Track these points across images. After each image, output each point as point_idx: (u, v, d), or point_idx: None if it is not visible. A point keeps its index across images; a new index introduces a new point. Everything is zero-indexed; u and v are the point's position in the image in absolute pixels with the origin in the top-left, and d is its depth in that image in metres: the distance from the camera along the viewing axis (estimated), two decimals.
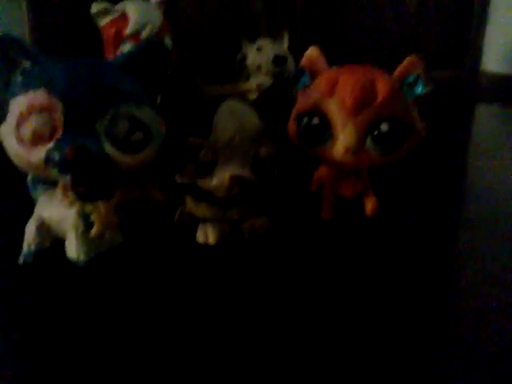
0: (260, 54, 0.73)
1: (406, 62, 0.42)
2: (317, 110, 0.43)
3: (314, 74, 0.44)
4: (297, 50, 0.78)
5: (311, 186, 0.51)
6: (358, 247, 0.46)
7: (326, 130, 0.43)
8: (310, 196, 0.51)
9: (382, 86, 0.40)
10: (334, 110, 0.42)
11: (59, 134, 0.36)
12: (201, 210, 0.46)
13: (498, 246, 0.46)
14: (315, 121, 0.43)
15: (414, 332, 0.34)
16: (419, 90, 0.41)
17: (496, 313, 0.36)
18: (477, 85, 1.27)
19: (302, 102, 0.44)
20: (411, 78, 0.41)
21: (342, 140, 0.42)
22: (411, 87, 0.41)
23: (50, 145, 0.35)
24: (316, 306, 0.37)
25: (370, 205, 0.48)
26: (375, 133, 0.41)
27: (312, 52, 0.45)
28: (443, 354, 0.31)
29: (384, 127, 0.41)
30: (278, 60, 0.73)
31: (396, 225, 0.50)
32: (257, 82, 0.72)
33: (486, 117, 1.16)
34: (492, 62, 1.28)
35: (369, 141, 0.42)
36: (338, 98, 0.41)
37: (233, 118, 0.41)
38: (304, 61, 0.45)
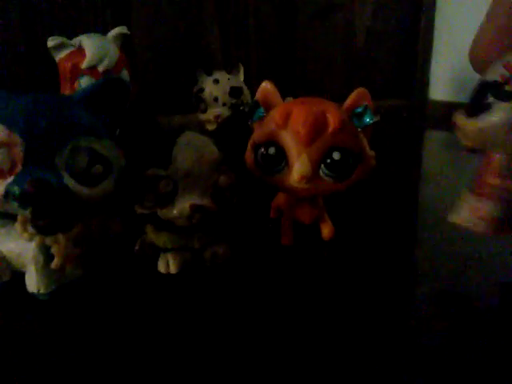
0: (217, 86, 0.74)
1: (354, 94, 0.45)
2: (272, 141, 0.45)
3: (268, 107, 0.46)
4: (252, 82, 0.80)
5: (270, 213, 0.53)
6: (319, 270, 0.47)
7: (281, 160, 0.45)
8: (269, 223, 0.52)
9: (333, 117, 0.42)
10: (289, 141, 0.44)
11: (19, 168, 0.36)
12: (162, 239, 0.46)
13: (450, 265, 0.48)
14: (271, 151, 0.45)
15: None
16: (367, 119, 0.43)
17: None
18: (425, 113, 1.33)
19: (258, 133, 0.46)
20: (360, 109, 0.44)
21: (297, 169, 0.44)
22: (360, 117, 0.44)
23: (10, 179, 0.36)
24: (280, 333, 0.37)
25: (326, 230, 0.50)
26: (328, 161, 0.43)
27: (266, 86, 0.47)
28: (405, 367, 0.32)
29: (336, 156, 0.43)
30: (235, 91, 0.75)
31: (352, 247, 0.52)
32: (214, 113, 0.74)
33: (434, 142, 1.22)
34: (438, 91, 1.35)
35: (322, 169, 0.44)
36: (291, 129, 0.43)
37: (191, 149, 0.42)
38: (258, 94, 0.47)
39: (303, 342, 0.36)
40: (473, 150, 0.43)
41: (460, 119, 0.42)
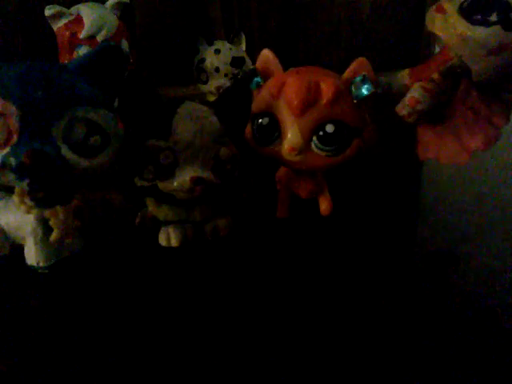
0: (218, 57, 0.73)
1: (353, 63, 0.43)
2: (267, 111, 0.44)
3: (266, 76, 0.45)
4: (254, 53, 0.79)
5: (275, 185, 0.52)
6: (318, 244, 0.47)
7: (275, 131, 0.44)
8: (272, 196, 0.51)
9: (327, 88, 0.41)
10: (282, 111, 0.43)
11: (15, 139, 0.35)
12: (162, 212, 0.46)
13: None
14: (265, 121, 0.44)
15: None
16: (365, 90, 0.42)
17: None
18: None
19: (255, 102, 0.45)
20: (358, 79, 0.42)
21: (288, 139, 0.43)
22: (357, 88, 0.42)
23: (6, 150, 0.35)
24: (282, 306, 0.37)
25: (323, 204, 0.49)
26: (320, 133, 0.42)
27: (265, 53, 0.46)
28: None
29: (329, 128, 0.42)
30: (237, 62, 0.73)
31: (352, 224, 0.51)
32: (215, 84, 0.72)
33: None
34: None
35: (314, 141, 0.43)
36: (284, 99, 0.42)
37: (192, 120, 0.41)
38: (258, 62, 0.46)
39: (303, 314, 0.36)
40: None
41: (452, 11, 0.40)
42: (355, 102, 0.42)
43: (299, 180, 0.49)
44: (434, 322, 0.34)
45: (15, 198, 0.40)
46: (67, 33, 0.68)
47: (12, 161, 0.34)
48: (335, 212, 0.49)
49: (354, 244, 0.47)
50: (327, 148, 0.43)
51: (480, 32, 0.37)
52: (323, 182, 0.49)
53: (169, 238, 0.45)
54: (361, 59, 0.43)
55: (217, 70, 0.73)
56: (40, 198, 0.39)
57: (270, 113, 0.44)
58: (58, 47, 0.70)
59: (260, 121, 0.45)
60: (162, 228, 0.46)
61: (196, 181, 0.41)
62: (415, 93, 0.42)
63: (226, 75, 0.73)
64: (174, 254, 0.44)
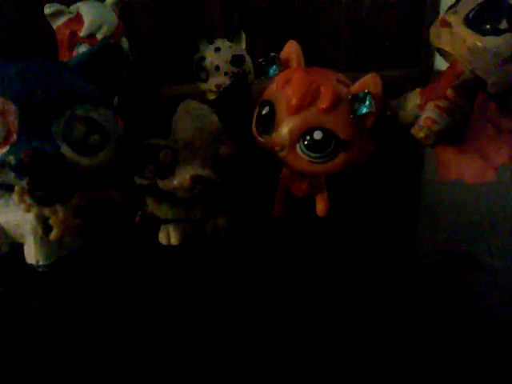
0: (218, 55, 0.73)
1: (365, 78, 0.41)
2: (270, 101, 0.44)
3: (286, 67, 0.45)
4: (254, 51, 0.79)
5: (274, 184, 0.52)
6: (316, 245, 0.46)
7: (271, 121, 0.43)
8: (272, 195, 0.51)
9: (326, 94, 0.40)
10: (280, 105, 0.42)
11: (14, 137, 0.35)
12: (162, 210, 0.46)
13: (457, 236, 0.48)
14: (265, 110, 0.44)
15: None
16: (364, 108, 0.40)
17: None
18: (430, 82, 1.30)
19: (266, 90, 0.45)
20: (360, 94, 0.40)
21: (276, 134, 0.43)
22: (357, 104, 0.40)
23: (5, 149, 0.35)
24: (281, 304, 0.37)
25: (320, 206, 0.49)
26: (307, 137, 0.42)
27: (289, 45, 0.45)
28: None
29: (316, 135, 0.41)
30: (237, 60, 0.73)
31: (351, 223, 0.51)
32: (215, 82, 0.72)
33: None
34: (443, 61, 1.32)
35: (300, 144, 0.42)
36: (285, 94, 0.42)
37: (192, 118, 0.41)
38: (282, 52, 0.45)
39: (302, 312, 0.36)
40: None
41: (458, 24, 0.39)
42: (351, 116, 0.41)
43: (295, 179, 0.48)
44: (434, 321, 0.34)
45: (15, 196, 0.40)
46: (67, 31, 0.68)
47: (11, 159, 0.34)
48: (335, 212, 0.49)
49: (353, 243, 0.47)
50: (310, 154, 0.42)
51: (491, 42, 0.36)
52: (322, 183, 0.49)
53: (169, 236, 0.45)
54: (372, 75, 0.41)
55: (217, 68, 0.73)
56: (39, 197, 0.39)
57: (271, 103, 0.43)
58: (58, 45, 0.70)
59: (262, 109, 0.45)
60: (162, 226, 0.46)
61: (196, 179, 0.41)
62: (431, 113, 0.41)
63: (225, 73, 0.73)
64: (174, 253, 0.44)
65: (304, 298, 0.38)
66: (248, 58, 0.75)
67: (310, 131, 0.41)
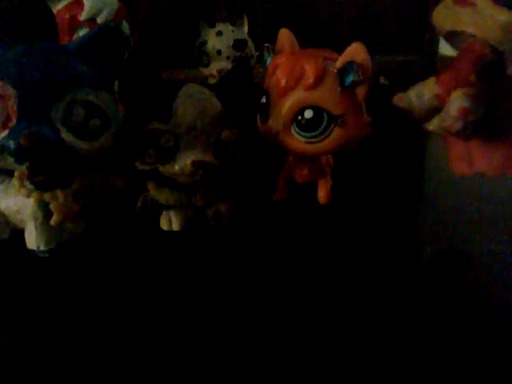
0: (220, 39, 0.72)
1: (349, 48, 0.40)
2: (266, 89, 0.44)
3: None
4: (257, 35, 0.78)
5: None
6: (318, 235, 0.46)
7: (267, 108, 0.43)
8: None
9: (310, 71, 0.40)
10: (272, 91, 0.42)
11: (13, 122, 0.34)
12: (164, 195, 0.45)
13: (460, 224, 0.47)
14: (263, 99, 0.44)
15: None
16: (349, 78, 0.39)
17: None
18: (435, 68, 1.29)
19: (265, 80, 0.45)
20: (346, 65, 0.39)
21: (270, 119, 0.43)
22: (343, 75, 0.40)
23: (4, 133, 0.34)
24: (282, 291, 0.37)
25: (321, 193, 0.48)
26: (299, 118, 0.41)
27: (280, 33, 0.45)
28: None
29: (307, 114, 0.41)
30: (239, 44, 0.72)
31: (353, 217, 0.50)
32: (217, 67, 0.72)
33: None
34: (448, 46, 1.30)
35: (294, 126, 0.42)
36: (274, 78, 0.42)
37: (193, 102, 0.41)
38: (277, 43, 0.45)
39: (303, 301, 0.35)
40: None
41: (484, 3, 0.36)
42: (339, 89, 0.40)
43: (298, 165, 0.48)
44: (433, 316, 0.34)
45: (15, 181, 0.39)
46: (67, 15, 0.67)
47: (11, 144, 0.34)
48: (337, 201, 0.49)
49: (353, 233, 0.46)
50: (305, 134, 0.42)
51: None
52: (324, 169, 0.48)
53: (170, 222, 0.45)
54: (355, 44, 0.40)
55: (219, 52, 0.72)
56: (40, 182, 0.39)
57: (267, 91, 0.43)
58: (58, 29, 0.69)
59: (261, 98, 0.44)
60: (164, 212, 0.46)
61: (197, 165, 0.40)
62: (463, 102, 0.38)
63: (227, 58, 0.72)
64: (176, 238, 0.44)
65: (304, 285, 0.37)
66: (250, 43, 0.74)
67: (301, 111, 0.41)
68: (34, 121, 0.35)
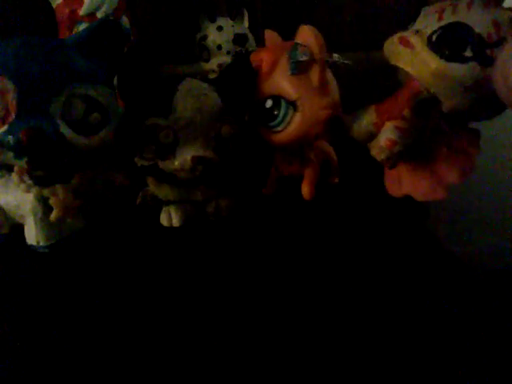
0: (220, 34, 0.71)
1: (298, 32, 0.41)
2: None
3: None
4: (258, 29, 0.77)
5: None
6: (319, 229, 0.46)
7: None
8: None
9: (264, 61, 0.41)
10: None
11: (12, 117, 0.34)
12: (163, 191, 0.45)
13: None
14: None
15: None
16: (292, 60, 0.40)
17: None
18: None
19: None
20: (291, 48, 0.40)
21: None
22: (290, 59, 0.40)
23: (4, 128, 0.34)
24: (283, 286, 0.37)
25: (304, 189, 0.48)
26: (262, 108, 0.42)
27: (267, 35, 0.46)
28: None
29: (268, 103, 0.42)
30: (239, 39, 0.72)
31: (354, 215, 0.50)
32: (218, 61, 0.71)
33: None
34: None
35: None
36: None
37: (193, 98, 0.40)
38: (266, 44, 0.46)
39: (304, 294, 0.35)
40: None
41: (421, 46, 0.38)
42: (289, 74, 0.40)
43: (281, 158, 0.49)
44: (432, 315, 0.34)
45: (14, 176, 0.39)
46: (67, 10, 0.67)
47: (10, 139, 0.34)
48: (337, 201, 0.49)
49: (353, 229, 0.46)
50: (270, 124, 0.42)
51: (456, 69, 0.36)
52: (313, 167, 0.48)
53: (170, 217, 0.45)
54: (303, 27, 0.40)
55: (219, 47, 0.72)
56: (39, 177, 0.38)
57: None
58: (58, 24, 0.69)
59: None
60: (164, 208, 0.46)
61: (197, 160, 0.40)
62: (391, 134, 0.41)
63: (228, 53, 0.72)
64: (176, 234, 0.44)
65: (303, 280, 0.37)
66: (251, 37, 0.74)
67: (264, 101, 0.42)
68: (33, 115, 0.34)
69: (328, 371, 0.28)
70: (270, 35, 0.46)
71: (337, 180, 0.53)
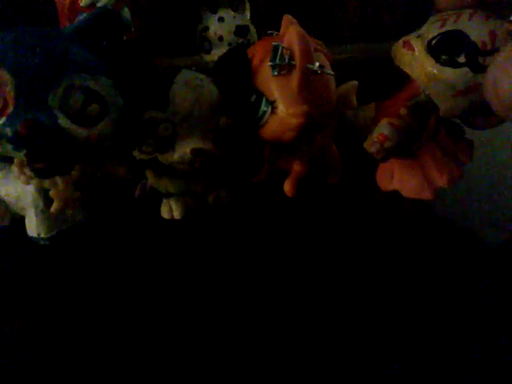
0: (222, 25, 0.71)
1: (287, 32, 0.40)
2: None
3: None
4: (259, 21, 0.77)
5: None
6: (319, 222, 0.46)
7: None
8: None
9: (255, 55, 0.42)
10: None
11: (10, 109, 0.34)
12: (163, 184, 0.45)
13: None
14: None
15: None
16: (271, 62, 0.40)
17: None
18: None
19: None
20: (272, 49, 0.40)
21: None
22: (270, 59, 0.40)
23: (2, 121, 0.34)
24: (284, 278, 0.37)
25: (286, 185, 0.47)
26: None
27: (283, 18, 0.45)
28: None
29: (252, 97, 0.42)
30: (241, 30, 0.71)
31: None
32: (219, 53, 0.70)
33: None
34: None
35: None
36: None
37: (190, 89, 0.40)
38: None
39: (305, 287, 0.35)
40: None
41: (420, 49, 0.39)
42: (272, 73, 0.40)
43: (271, 152, 0.49)
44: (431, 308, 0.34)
45: (15, 168, 0.39)
46: (67, 1, 0.66)
47: (8, 131, 0.34)
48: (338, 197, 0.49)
49: (352, 224, 0.46)
50: (253, 117, 0.42)
51: (448, 73, 0.38)
52: (299, 164, 0.47)
53: (171, 210, 0.45)
54: (291, 28, 0.39)
55: (220, 38, 0.71)
56: (39, 169, 0.38)
57: None
58: (58, 15, 0.68)
59: None
60: (164, 201, 0.46)
61: (196, 153, 0.40)
62: (384, 129, 0.42)
63: (229, 44, 0.71)
64: (177, 226, 0.44)
65: (303, 275, 0.37)
66: (252, 29, 0.73)
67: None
68: (31, 107, 0.34)
69: (326, 365, 0.28)
70: (287, 20, 0.44)
71: (336, 180, 0.53)
